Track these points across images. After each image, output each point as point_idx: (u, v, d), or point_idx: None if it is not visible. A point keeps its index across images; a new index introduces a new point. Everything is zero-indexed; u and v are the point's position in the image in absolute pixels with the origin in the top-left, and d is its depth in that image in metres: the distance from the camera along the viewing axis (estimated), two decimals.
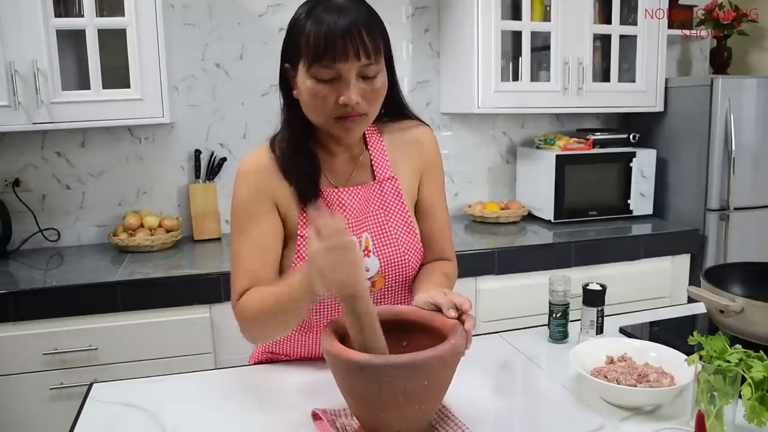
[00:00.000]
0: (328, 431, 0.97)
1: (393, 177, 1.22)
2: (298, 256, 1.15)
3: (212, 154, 2.53)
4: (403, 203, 1.22)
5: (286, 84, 1.13)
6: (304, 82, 1.05)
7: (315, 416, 1.02)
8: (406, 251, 1.20)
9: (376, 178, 1.21)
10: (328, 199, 1.16)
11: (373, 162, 1.21)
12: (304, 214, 1.14)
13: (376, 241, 1.18)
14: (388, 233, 1.19)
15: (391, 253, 1.19)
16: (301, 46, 1.04)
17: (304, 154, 1.14)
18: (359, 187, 1.19)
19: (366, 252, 1.17)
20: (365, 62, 1.03)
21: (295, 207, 1.15)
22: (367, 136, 1.23)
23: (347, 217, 1.17)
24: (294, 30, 1.07)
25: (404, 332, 1.01)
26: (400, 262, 1.19)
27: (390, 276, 1.19)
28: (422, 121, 1.28)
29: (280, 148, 1.15)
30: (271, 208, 1.14)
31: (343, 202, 1.17)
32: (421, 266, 1.27)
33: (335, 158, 1.20)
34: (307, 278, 0.92)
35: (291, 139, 1.14)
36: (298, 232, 1.15)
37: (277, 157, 1.15)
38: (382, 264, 1.18)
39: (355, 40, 1.00)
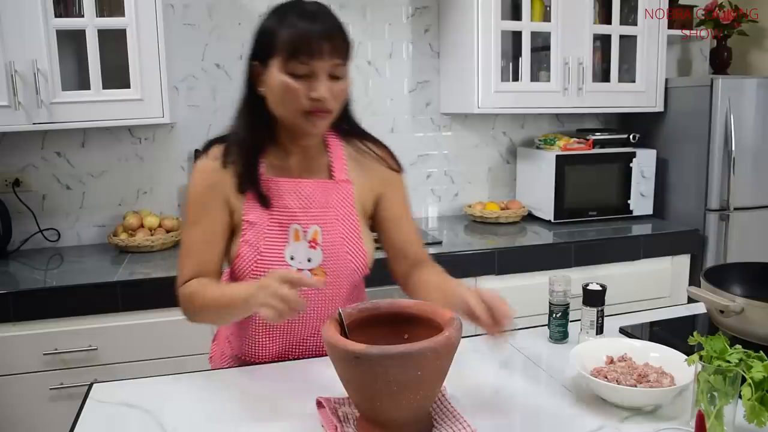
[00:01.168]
0: (330, 420, 0.99)
1: (348, 180, 1.27)
2: (244, 240, 1.21)
3: None
4: (353, 207, 1.27)
5: (251, 80, 1.19)
6: (276, 78, 1.12)
7: (319, 404, 1.05)
8: (348, 251, 1.24)
9: (333, 179, 1.26)
10: (281, 186, 1.21)
11: (332, 164, 1.27)
12: (248, 202, 1.21)
13: (324, 235, 1.23)
14: (336, 231, 1.24)
15: (335, 250, 1.23)
16: (277, 44, 1.11)
17: (255, 146, 1.22)
18: (311, 180, 1.24)
19: (313, 244, 1.22)
20: (337, 62, 1.12)
21: (241, 198, 1.22)
22: (328, 141, 1.28)
23: (297, 204, 1.22)
24: (267, 31, 1.14)
25: (405, 325, 1.03)
26: (342, 261, 1.24)
27: (331, 271, 1.24)
28: (376, 138, 1.34)
29: (237, 140, 1.22)
30: (222, 204, 1.22)
31: (294, 190, 1.22)
32: (404, 272, 1.34)
33: (290, 156, 1.25)
34: (247, 296, 1.04)
35: (250, 132, 1.21)
36: (243, 218, 1.21)
37: (228, 152, 1.23)
38: (326, 258, 1.23)
39: (331, 42, 1.10)
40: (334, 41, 1.10)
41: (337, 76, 1.13)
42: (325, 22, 1.11)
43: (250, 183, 1.20)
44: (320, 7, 1.14)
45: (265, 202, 1.20)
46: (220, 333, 1.48)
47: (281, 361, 1.30)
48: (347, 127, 1.29)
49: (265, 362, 1.31)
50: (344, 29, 1.14)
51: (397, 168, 1.33)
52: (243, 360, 1.35)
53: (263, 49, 1.14)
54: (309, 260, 1.21)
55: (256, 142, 1.21)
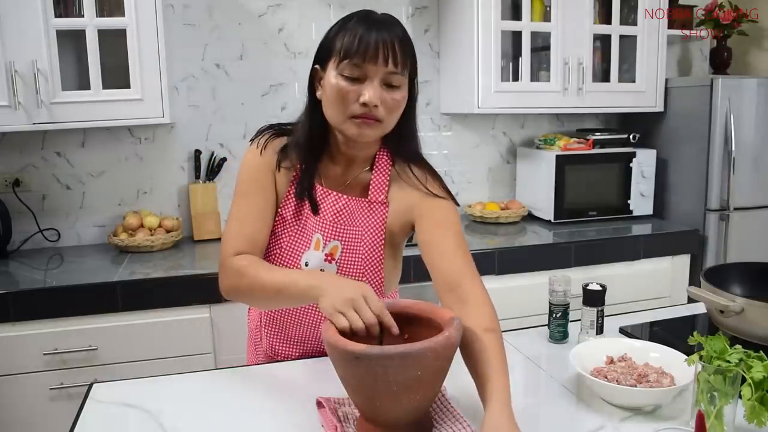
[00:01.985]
0: (330, 420, 0.99)
1: (385, 202, 1.22)
2: (272, 233, 1.22)
3: (212, 154, 2.53)
4: (382, 231, 1.22)
5: (313, 85, 1.18)
6: (330, 79, 1.10)
7: (319, 404, 1.05)
8: (364, 273, 1.22)
9: (369, 198, 1.22)
10: (316, 195, 1.21)
11: (372, 182, 1.22)
12: (287, 197, 1.22)
13: (343, 253, 1.21)
14: (357, 251, 1.21)
15: (351, 270, 1.21)
16: (334, 47, 1.10)
17: (312, 154, 1.20)
18: (345, 196, 1.21)
19: (329, 258, 1.21)
20: (392, 69, 1.08)
21: (284, 191, 1.22)
22: (377, 158, 1.23)
23: (324, 216, 1.21)
24: (330, 35, 1.13)
25: (406, 325, 1.02)
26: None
27: None
28: (424, 162, 1.26)
29: (296, 144, 1.20)
30: (272, 185, 1.22)
31: (326, 201, 1.21)
32: (445, 303, 1.17)
33: (333, 165, 1.23)
34: (313, 287, 1.02)
35: (308, 137, 1.19)
36: (279, 209, 1.23)
37: (290, 149, 1.21)
38: (339, 274, 1.20)
39: (387, 47, 1.07)
40: (392, 48, 1.07)
41: (393, 85, 1.09)
42: (386, 30, 1.08)
43: (305, 189, 1.20)
44: (386, 17, 1.12)
45: (315, 209, 1.21)
46: (252, 317, 1.47)
47: (297, 359, 1.30)
48: (399, 147, 1.22)
49: (276, 360, 1.32)
50: (405, 42, 1.10)
51: (436, 194, 1.21)
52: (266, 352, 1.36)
53: (323, 52, 1.14)
54: (321, 271, 1.20)
55: (313, 148, 1.20)
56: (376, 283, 1.23)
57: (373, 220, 1.22)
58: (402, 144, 1.22)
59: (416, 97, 1.19)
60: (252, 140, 1.25)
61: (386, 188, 1.23)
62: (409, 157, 1.24)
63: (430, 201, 1.21)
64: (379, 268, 1.23)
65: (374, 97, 1.07)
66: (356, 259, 1.21)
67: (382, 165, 1.23)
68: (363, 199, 1.22)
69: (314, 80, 1.17)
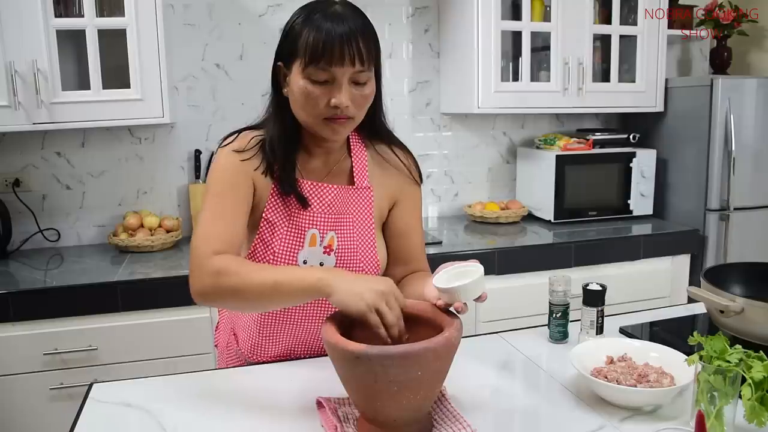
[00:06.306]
0: (330, 420, 0.99)
1: (369, 187, 1.26)
2: (259, 238, 1.19)
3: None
4: (371, 214, 1.26)
5: (277, 81, 1.17)
6: (297, 82, 1.09)
7: (319, 404, 1.05)
8: (361, 260, 1.23)
9: (355, 185, 1.24)
10: (304, 190, 1.19)
11: (354, 169, 1.25)
12: (271, 200, 1.19)
13: (339, 243, 1.21)
14: (352, 239, 1.23)
15: (348, 259, 1.22)
16: (299, 48, 1.08)
17: (289, 148, 1.19)
18: (334, 186, 1.22)
19: (328, 250, 1.21)
20: (359, 68, 1.08)
21: (266, 194, 1.19)
22: (351, 144, 1.26)
23: (318, 210, 1.20)
24: (292, 32, 1.11)
25: (407, 325, 1.03)
26: (354, 268, 1.22)
27: None
28: (404, 145, 1.32)
29: (270, 141, 1.18)
30: (249, 188, 1.18)
31: (317, 194, 1.21)
32: (397, 276, 1.31)
33: (312, 158, 1.23)
34: (323, 278, 1.00)
35: (282, 134, 1.18)
36: (264, 214, 1.19)
37: (265, 148, 1.18)
38: (338, 264, 1.22)
39: (352, 47, 1.05)
40: (356, 47, 1.05)
41: (361, 82, 1.09)
42: (348, 26, 1.05)
43: (289, 185, 1.17)
44: (346, 10, 1.09)
45: (304, 203, 1.19)
46: (224, 322, 1.46)
47: (282, 360, 1.30)
48: (374, 130, 1.26)
49: (265, 362, 1.31)
50: (368, 34, 1.08)
51: (417, 180, 1.31)
52: (244, 356, 1.34)
53: (286, 51, 1.12)
54: (321, 264, 1.20)
55: (289, 144, 1.18)
56: (373, 266, 1.24)
57: (361, 205, 1.25)
58: (374, 126, 1.25)
59: (381, 75, 1.17)
60: (222, 144, 1.20)
61: (367, 172, 1.26)
62: (385, 138, 1.28)
63: (412, 187, 1.31)
64: (374, 251, 1.25)
65: (345, 100, 1.08)
66: (352, 246, 1.22)
67: (358, 150, 1.27)
68: (350, 187, 1.24)
69: (278, 76, 1.15)
